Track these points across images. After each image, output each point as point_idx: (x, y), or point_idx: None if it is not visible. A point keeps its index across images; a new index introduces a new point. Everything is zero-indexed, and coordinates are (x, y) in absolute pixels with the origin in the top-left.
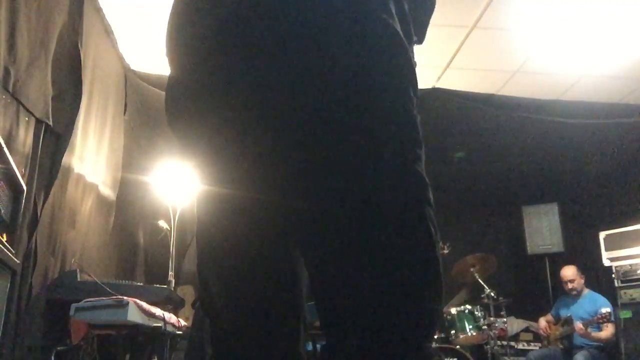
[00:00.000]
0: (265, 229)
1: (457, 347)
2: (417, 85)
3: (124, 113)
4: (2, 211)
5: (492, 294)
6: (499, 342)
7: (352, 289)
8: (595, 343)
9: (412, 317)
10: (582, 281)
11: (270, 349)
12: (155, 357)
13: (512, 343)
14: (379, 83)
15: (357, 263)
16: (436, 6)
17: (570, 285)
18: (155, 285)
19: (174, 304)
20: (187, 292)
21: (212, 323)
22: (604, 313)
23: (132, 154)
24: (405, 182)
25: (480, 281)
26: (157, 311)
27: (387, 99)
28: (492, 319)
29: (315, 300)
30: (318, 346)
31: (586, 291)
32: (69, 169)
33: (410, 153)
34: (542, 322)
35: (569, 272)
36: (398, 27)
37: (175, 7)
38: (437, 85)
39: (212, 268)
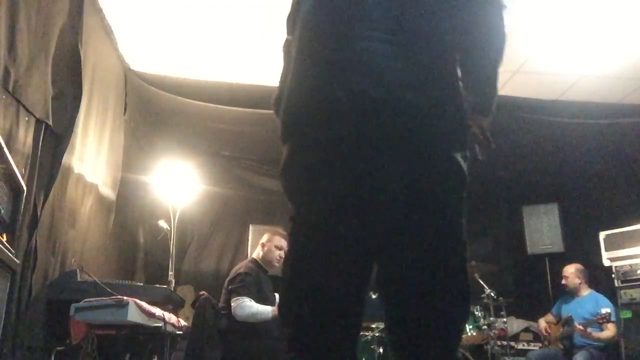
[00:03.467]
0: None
1: None
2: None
3: (124, 113)
4: (2, 211)
5: (492, 294)
6: (499, 342)
7: (417, 306)
8: (596, 343)
9: (453, 329)
10: (579, 281)
11: (341, 346)
12: (155, 357)
13: (512, 343)
14: (446, 198)
15: (423, 289)
16: None
17: (563, 281)
18: (155, 285)
19: (174, 304)
20: (187, 292)
21: (292, 325)
22: (604, 313)
23: (132, 154)
24: (459, 253)
25: (481, 281)
26: (157, 311)
27: (449, 212)
28: (492, 319)
29: (389, 312)
30: None
31: (588, 291)
32: (69, 169)
33: (463, 244)
34: (542, 322)
35: (568, 269)
36: (464, 164)
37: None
38: None
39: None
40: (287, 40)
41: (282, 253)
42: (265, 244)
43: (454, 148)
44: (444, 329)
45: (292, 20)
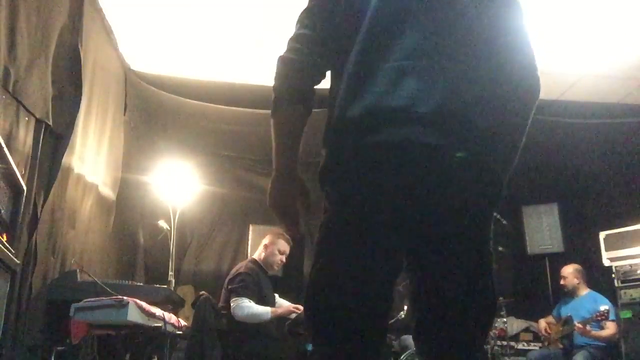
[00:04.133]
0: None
1: None
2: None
3: (124, 113)
4: (2, 211)
5: None
6: (499, 342)
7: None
8: (596, 342)
9: (483, 334)
10: (577, 281)
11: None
12: (155, 357)
13: (512, 343)
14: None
15: (461, 302)
16: None
17: (562, 282)
18: (155, 285)
19: (174, 304)
20: (187, 292)
21: (324, 318)
22: (602, 310)
23: (132, 154)
24: (488, 263)
25: None
26: (157, 311)
27: (484, 224)
28: None
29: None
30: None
31: (586, 291)
32: (69, 169)
33: (491, 255)
34: (542, 323)
35: (566, 269)
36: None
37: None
38: None
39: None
40: (303, 35)
41: (283, 258)
42: (268, 246)
43: (495, 163)
44: (469, 334)
45: (317, 15)
